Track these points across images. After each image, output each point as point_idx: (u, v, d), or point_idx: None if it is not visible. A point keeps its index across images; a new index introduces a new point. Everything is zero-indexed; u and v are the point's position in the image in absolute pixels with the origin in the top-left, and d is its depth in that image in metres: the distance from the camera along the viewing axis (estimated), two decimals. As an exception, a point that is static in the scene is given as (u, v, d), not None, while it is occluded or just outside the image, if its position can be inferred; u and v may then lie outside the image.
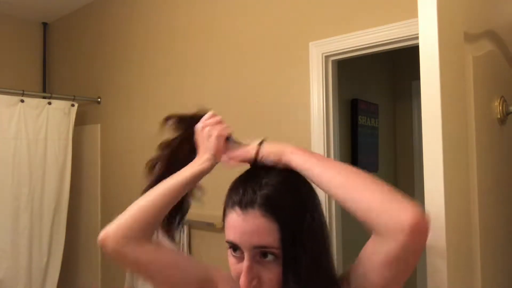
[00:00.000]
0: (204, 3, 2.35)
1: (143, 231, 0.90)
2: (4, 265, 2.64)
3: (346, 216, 2.07)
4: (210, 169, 0.95)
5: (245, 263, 0.79)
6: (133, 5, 2.80)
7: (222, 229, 2.41)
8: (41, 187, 2.79)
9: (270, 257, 0.79)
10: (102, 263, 2.94)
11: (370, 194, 0.75)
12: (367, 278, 0.78)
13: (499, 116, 1.18)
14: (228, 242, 0.82)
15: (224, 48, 2.23)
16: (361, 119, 2.81)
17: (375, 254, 0.75)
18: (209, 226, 2.16)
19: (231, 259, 0.84)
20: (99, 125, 3.02)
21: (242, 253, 0.80)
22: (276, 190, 0.80)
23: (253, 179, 0.83)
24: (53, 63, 3.53)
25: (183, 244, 2.29)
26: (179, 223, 1.02)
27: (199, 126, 1.02)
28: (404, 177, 3.24)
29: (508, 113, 1.20)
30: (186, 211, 1.03)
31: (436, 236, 0.88)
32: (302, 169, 0.83)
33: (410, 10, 1.50)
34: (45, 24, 3.55)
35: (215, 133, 0.95)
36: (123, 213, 0.92)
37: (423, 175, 0.92)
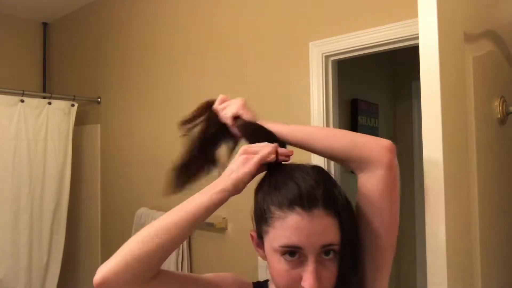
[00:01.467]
0: (204, 3, 2.35)
1: (148, 273, 0.81)
2: (4, 265, 2.64)
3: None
4: (223, 202, 0.82)
5: (310, 266, 0.75)
6: (133, 5, 2.80)
7: (222, 229, 2.40)
8: (41, 187, 2.79)
9: (331, 254, 0.77)
10: (102, 263, 2.94)
11: (350, 135, 0.87)
12: (369, 226, 0.83)
13: (499, 116, 1.18)
14: (287, 246, 0.76)
15: (224, 48, 2.23)
16: (361, 119, 2.81)
17: (370, 190, 0.83)
18: (209, 226, 2.16)
19: (283, 266, 0.77)
20: (99, 125, 3.02)
21: (301, 256, 0.76)
22: (329, 187, 0.80)
23: (300, 176, 0.79)
24: (53, 63, 3.53)
25: (183, 244, 2.28)
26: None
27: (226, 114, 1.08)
28: (404, 177, 3.23)
29: (508, 113, 1.20)
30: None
31: (436, 236, 0.88)
32: (281, 131, 0.94)
33: (410, 10, 1.50)
34: (45, 24, 3.55)
35: (251, 163, 0.83)
36: (121, 250, 0.84)
37: (423, 175, 0.92)
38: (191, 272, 2.31)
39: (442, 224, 0.87)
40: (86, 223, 3.09)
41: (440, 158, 0.86)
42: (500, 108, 1.18)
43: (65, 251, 2.90)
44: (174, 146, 2.69)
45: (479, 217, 1.00)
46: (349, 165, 0.86)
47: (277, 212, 0.77)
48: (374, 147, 0.83)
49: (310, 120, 1.84)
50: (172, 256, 2.26)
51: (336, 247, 0.77)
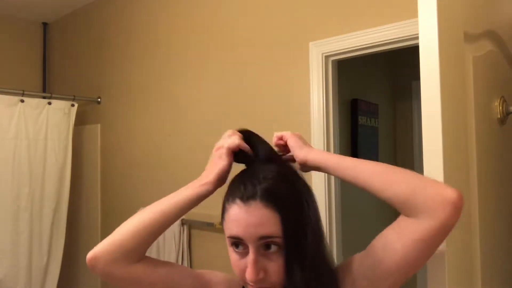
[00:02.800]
0: (204, 3, 2.35)
1: (134, 254, 0.88)
2: (4, 265, 2.64)
3: (346, 216, 2.06)
4: (207, 194, 0.91)
5: (250, 256, 0.79)
6: (133, 5, 2.80)
7: (222, 229, 2.41)
8: (41, 187, 2.79)
9: (273, 248, 0.80)
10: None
11: (412, 176, 0.80)
12: (384, 263, 0.79)
13: (499, 116, 1.18)
14: (231, 237, 0.82)
15: (224, 48, 2.23)
16: (361, 119, 2.81)
17: (408, 234, 0.77)
18: (209, 226, 2.16)
19: (233, 256, 0.83)
20: (99, 125, 3.02)
21: (245, 247, 0.81)
22: (274, 182, 0.81)
23: (251, 175, 0.84)
24: (53, 63, 3.53)
25: (183, 244, 2.29)
26: None
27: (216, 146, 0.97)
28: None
29: (508, 113, 1.20)
30: None
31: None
32: (329, 160, 0.88)
33: (410, 10, 1.50)
34: (45, 24, 3.55)
35: (223, 156, 0.91)
36: (112, 233, 0.91)
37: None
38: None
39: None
40: (86, 223, 3.09)
41: (440, 158, 0.86)
42: (500, 108, 1.18)
43: (65, 251, 2.90)
44: (174, 146, 2.71)
45: (479, 217, 1.00)
46: (399, 208, 0.80)
47: (226, 206, 0.84)
48: (436, 197, 0.75)
49: (310, 120, 1.84)
50: (172, 256, 2.27)
51: (278, 240, 0.78)
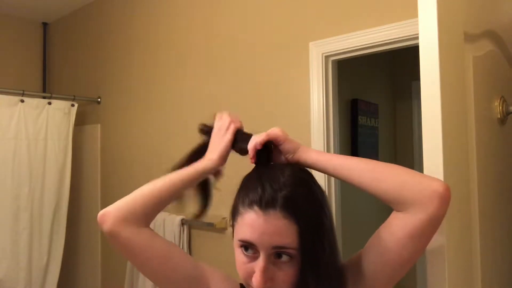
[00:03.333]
0: (204, 3, 2.35)
1: (143, 217, 0.94)
2: (4, 265, 2.64)
3: (346, 215, 2.06)
4: (212, 169, 0.98)
5: (260, 263, 0.78)
6: (133, 5, 2.80)
7: (222, 229, 2.40)
8: (41, 187, 2.79)
9: (285, 258, 0.78)
10: (102, 263, 2.94)
11: (400, 171, 0.81)
12: (383, 259, 0.81)
13: (499, 116, 1.18)
14: (242, 241, 0.80)
15: (224, 48, 2.23)
16: (361, 119, 2.81)
17: (399, 230, 0.79)
18: (209, 226, 2.16)
19: (241, 258, 0.82)
20: (99, 125, 3.02)
21: (255, 252, 0.79)
22: (296, 191, 0.79)
23: (270, 178, 0.81)
24: (53, 63, 3.53)
25: (183, 244, 2.29)
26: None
27: (215, 127, 1.03)
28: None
29: (508, 113, 1.20)
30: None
31: (435, 236, 0.88)
32: (320, 160, 0.88)
33: (410, 10, 1.50)
34: (45, 24, 3.55)
35: (227, 134, 0.99)
36: (125, 196, 0.98)
37: (423, 175, 0.92)
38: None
39: (441, 224, 0.87)
40: (86, 223, 3.09)
41: (440, 158, 0.86)
42: (500, 108, 1.18)
43: (65, 251, 2.90)
44: (174, 145, 2.70)
45: (479, 217, 1.00)
46: (388, 203, 0.81)
47: (240, 209, 0.82)
48: (424, 190, 0.77)
49: (310, 120, 1.84)
50: (172, 256, 2.26)
51: (291, 251, 0.77)
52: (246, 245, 0.80)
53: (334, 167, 0.86)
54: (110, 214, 0.95)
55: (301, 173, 0.85)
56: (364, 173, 0.83)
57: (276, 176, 0.81)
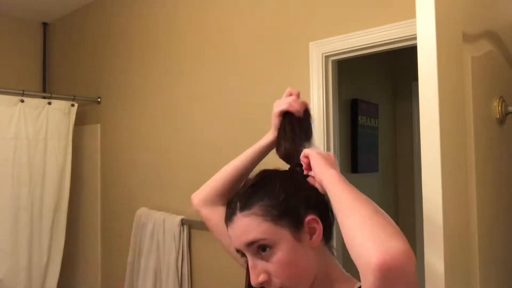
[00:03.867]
0: (203, 3, 2.35)
1: (220, 195, 1.10)
2: (4, 265, 2.64)
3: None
4: (271, 141, 1.09)
5: (249, 263, 0.86)
6: (133, 5, 2.80)
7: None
8: (41, 187, 2.79)
9: (268, 250, 0.85)
10: (102, 263, 2.95)
11: (356, 221, 0.70)
12: None
13: (498, 116, 1.18)
14: (236, 251, 0.91)
15: (224, 47, 2.23)
16: (361, 119, 2.81)
17: None
18: (209, 226, 2.16)
19: (248, 267, 0.89)
20: (99, 125, 3.03)
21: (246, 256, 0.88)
22: (247, 193, 0.90)
23: (233, 196, 0.94)
24: (53, 63, 3.54)
25: (183, 244, 2.29)
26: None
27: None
28: (404, 177, 3.24)
29: (507, 113, 1.20)
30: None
31: (434, 236, 0.88)
32: (327, 188, 0.85)
33: (410, 10, 1.50)
34: (45, 24, 3.55)
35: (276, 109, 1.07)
36: (211, 178, 1.14)
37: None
38: (191, 272, 2.32)
39: (440, 224, 0.87)
40: (86, 223, 3.09)
41: (438, 159, 0.86)
42: (499, 108, 1.18)
43: (65, 251, 2.90)
44: (174, 145, 2.70)
45: (477, 217, 1.00)
46: None
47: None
48: (362, 261, 0.66)
49: (309, 120, 1.84)
50: (172, 256, 2.27)
51: (266, 242, 0.84)
52: (241, 253, 0.90)
53: (334, 201, 0.80)
54: (194, 196, 1.15)
55: (264, 173, 0.95)
56: (344, 222, 0.74)
57: (236, 193, 0.94)
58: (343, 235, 0.73)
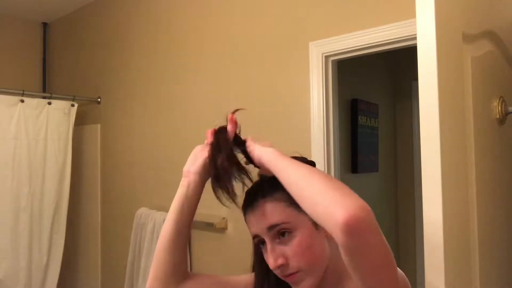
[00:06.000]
0: (203, 3, 2.35)
1: (173, 274, 0.95)
2: (4, 265, 2.64)
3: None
4: (188, 190, 0.96)
5: (268, 247, 0.88)
6: (133, 5, 2.80)
7: (222, 229, 2.41)
8: (41, 187, 2.79)
9: (287, 235, 0.87)
10: (102, 263, 2.95)
11: (320, 189, 0.73)
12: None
13: (498, 116, 1.18)
14: (253, 237, 0.92)
15: (224, 48, 2.23)
16: (361, 119, 2.81)
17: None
18: (209, 226, 2.16)
19: (264, 254, 0.90)
20: (99, 125, 3.02)
21: (264, 242, 0.89)
22: (270, 181, 0.88)
23: (254, 186, 0.93)
24: (53, 63, 3.54)
25: (183, 244, 2.28)
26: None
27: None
28: (404, 177, 3.24)
29: (507, 113, 1.20)
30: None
31: (433, 236, 0.88)
32: (269, 164, 0.86)
33: (410, 10, 1.49)
34: (45, 24, 3.55)
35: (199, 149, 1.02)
36: (151, 268, 0.99)
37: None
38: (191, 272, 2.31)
39: (440, 225, 0.87)
40: (86, 223, 3.09)
41: (438, 159, 0.86)
42: (499, 108, 1.18)
43: (65, 251, 2.90)
44: (174, 145, 2.70)
45: (477, 217, 1.00)
46: None
47: (245, 218, 0.95)
48: (328, 220, 0.69)
49: (310, 120, 1.84)
50: (172, 256, 2.26)
51: (286, 226, 0.86)
52: (258, 241, 0.91)
53: (277, 171, 0.83)
54: (151, 286, 0.96)
55: (262, 178, 0.94)
56: (292, 184, 0.79)
57: (258, 184, 0.93)
58: (303, 206, 0.76)
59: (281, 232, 0.87)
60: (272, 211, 0.88)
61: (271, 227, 0.87)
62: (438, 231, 0.87)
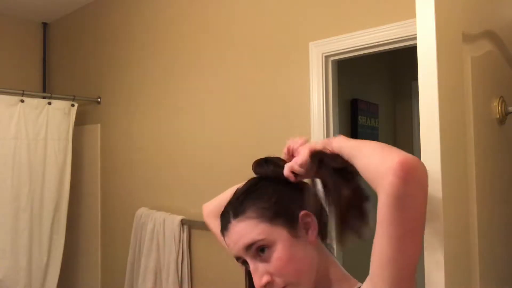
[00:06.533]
0: (203, 3, 2.35)
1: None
2: (4, 265, 2.64)
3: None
4: None
5: (250, 267, 0.86)
6: (133, 5, 2.80)
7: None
8: (41, 187, 2.79)
9: (266, 251, 0.85)
10: (102, 263, 2.95)
11: (374, 149, 0.76)
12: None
13: (498, 117, 1.18)
14: (236, 259, 0.91)
15: (224, 48, 2.23)
16: (361, 119, 2.81)
17: (378, 214, 0.72)
18: (209, 226, 2.16)
19: (251, 273, 0.89)
20: (99, 125, 3.03)
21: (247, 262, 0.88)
22: (239, 200, 0.90)
23: (225, 207, 0.94)
24: (53, 63, 3.54)
25: (183, 244, 2.29)
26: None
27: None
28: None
29: (507, 113, 1.20)
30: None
31: (433, 236, 0.88)
32: (339, 147, 0.85)
33: (410, 10, 1.50)
34: (45, 24, 3.55)
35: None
36: (221, 194, 1.12)
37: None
38: (191, 272, 2.32)
39: (440, 225, 0.87)
40: (86, 223, 3.09)
41: (438, 159, 0.86)
42: (499, 108, 1.18)
43: (65, 251, 2.90)
44: (174, 145, 2.70)
45: (477, 217, 1.00)
46: None
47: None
48: (379, 167, 0.71)
49: (310, 120, 1.84)
50: (172, 256, 2.27)
51: (262, 243, 0.85)
52: (242, 261, 0.90)
53: (345, 150, 0.83)
54: (205, 207, 1.18)
55: (254, 180, 0.95)
56: (352, 153, 0.80)
57: (232, 198, 0.94)
58: (362, 170, 0.76)
59: (260, 249, 0.85)
60: (245, 230, 0.86)
61: (247, 247, 0.86)
62: (439, 231, 0.87)
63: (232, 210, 0.90)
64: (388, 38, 1.62)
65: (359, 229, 0.79)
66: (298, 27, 1.93)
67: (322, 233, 0.93)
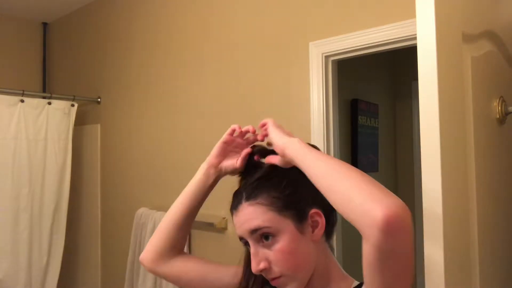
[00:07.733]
0: (203, 3, 2.35)
1: (169, 249, 1.04)
2: (4, 265, 2.64)
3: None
4: (205, 179, 1.06)
5: (251, 249, 0.88)
6: (133, 5, 2.80)
7: (222, 229, 2.42)
8: (41, 187, 2.79)
9: (270, 239, 0.86)
10: (102, 263, 2.95)
11: (354, 183, 0.70)
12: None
13: (498, 116, 1.18)
14: (239, 239, 0.92)
15: (224, 47, 2.23)
16: (361, 119, 2.81)
17: (363, 257, 0.69)
18: (209, 226, 2.16)
19: (250, 255, 0.90)
20: (99, 125, 3.02)
21: (249, 244, 0.89)
22: (254, 184, 0.91)
23: (240, 187, 0.95)
24: (53, 63, 3.54)
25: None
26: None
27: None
28: (404, 177, 3.24)
29: (507, 113, 1.20)
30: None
31: (433, 236, 0.88)
32: (295, 157, 0.84)
33: (410, 10, 1.49)
34: (45, 24, 3.55)
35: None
36: (152, 236, 1.07)
37: (422, 176, 0.92)
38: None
39: (440, 224, 0.87)
40: (86, 223, 3.09)
41: (438, 159, 0.86)
42: (499, 108, 1.18)
43: (65, 251, 2.90)
44: (174, 145, 2.70)
45: (477, 217, 1.00)
46: None
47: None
48: (364, 218, 0.65)
49: (310, 120, 1.84)
50: (172, 256, 2.26)
51: (268, 230, 0.86)
52: (244, 242, 0.91)
53: (307, 166, 0.80)
54: (144, 257, 1.06)
55: (268, 168, 0.94)
56: (321, 178, 0.76)
57: (244, 184, 0.94)
58: (334, 203, 0.72)
59: (264, 236, 0.87)
60: (254, 215, 0.88)
61: (253, 231, 0.87)
62: (439, 231, 0.87)
63: (245, 192, 0.91)
64: (388, 38, 1.62)
65: None
66: (298, 27, 1.93)
67: (327, 232, 0.93)
